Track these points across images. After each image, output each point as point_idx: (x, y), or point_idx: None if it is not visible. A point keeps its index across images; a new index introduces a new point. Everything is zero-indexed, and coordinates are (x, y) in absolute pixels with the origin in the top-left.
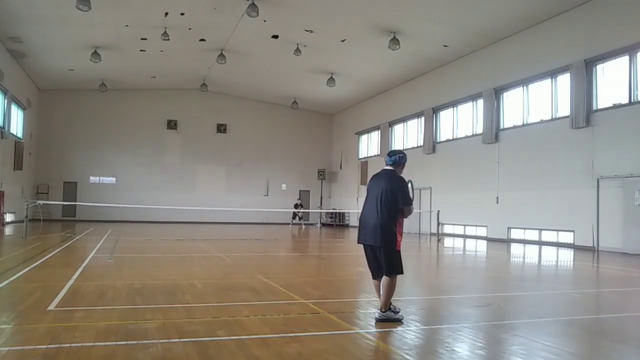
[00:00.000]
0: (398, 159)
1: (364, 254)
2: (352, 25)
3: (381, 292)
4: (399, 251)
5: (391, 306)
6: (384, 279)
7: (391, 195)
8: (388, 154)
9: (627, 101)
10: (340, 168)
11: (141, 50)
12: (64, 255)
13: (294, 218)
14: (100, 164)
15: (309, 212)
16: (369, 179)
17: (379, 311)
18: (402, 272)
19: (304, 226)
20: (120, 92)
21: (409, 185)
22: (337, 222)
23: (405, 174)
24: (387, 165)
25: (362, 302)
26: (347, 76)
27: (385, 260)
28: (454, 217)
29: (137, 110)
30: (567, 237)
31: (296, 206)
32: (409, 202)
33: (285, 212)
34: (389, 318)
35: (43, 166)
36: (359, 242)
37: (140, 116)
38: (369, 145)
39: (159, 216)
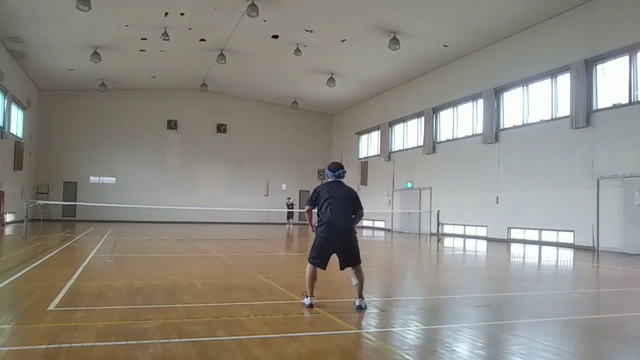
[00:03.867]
0: (342, 173)
1: (363, 254)
2: (352, 25)
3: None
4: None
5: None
6: (358, 267)
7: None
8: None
9: (627, 101)
10: None
11: (141, 50)
12: (64, 255)
13: (288, 218)
14: (100, 164)
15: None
16: (368, 178)
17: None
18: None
19: (292, 226)
20: (120, 92)
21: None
22: None
23: (406, 174)
24: (336, 178)
25: None
26: (347, 76)
27: (354, 251)
28: (454, 217)
29: (137, 110)
30: (567, 237)
31: (288, 206)
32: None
33: (284, 213)
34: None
35: (43, 166)
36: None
37: (140, 116)
38: (369, 145)
39: (159, 216)
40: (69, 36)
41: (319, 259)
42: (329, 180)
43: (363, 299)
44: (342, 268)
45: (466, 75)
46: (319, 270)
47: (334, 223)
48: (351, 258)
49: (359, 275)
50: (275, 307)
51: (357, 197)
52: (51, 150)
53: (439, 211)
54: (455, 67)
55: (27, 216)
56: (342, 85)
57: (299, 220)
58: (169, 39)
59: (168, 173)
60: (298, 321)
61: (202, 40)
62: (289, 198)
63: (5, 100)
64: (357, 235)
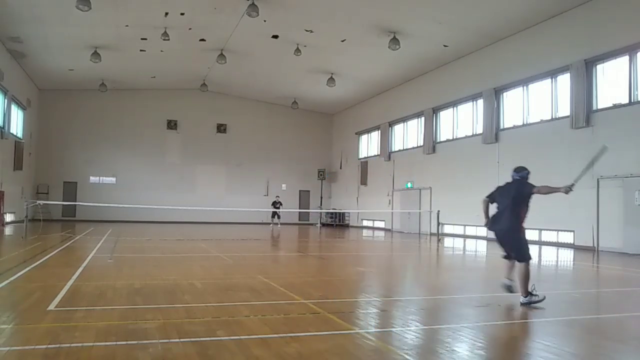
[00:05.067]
0: (525, 174)
1: (363, 254)
2: (352, 25)
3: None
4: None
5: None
6: (520, 264)
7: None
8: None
9: (627, 101)
10: (340, 168)
11: (141, 50)
12: (64, 255)
13: (273, 217)
14: (100, 164)
15: (295, 212)
16: (368, 178)
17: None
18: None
19: (279, 225)
20: (120, 92)
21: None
22: (337, 222)
23: (406, 174)
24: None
25: (362, 302)
26: (347, 76)
27: (515, 247)
28: (454, 217)
29: (137, 110)
30: (567, 237)
31: (275, 204)
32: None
33: (284, 213)
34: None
35: (43, 166)
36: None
37: (140, 116)
38: (369, 145)
39: (159, 216)
40: (69, 36)
41: (503, 251)
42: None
43: (527, 296)
44: (509, 259)
45: (466, 75)
46: (319, 270)
47: (495, 219)
48: (512, 252)
49: (518, 271)
50: (275, 307)
51: (525, 188)
52: (51, 150)
53: (439, 211)
54: (455, 67)
55: (27, 216)
56: (342, 85)
57: (298, 220)
58: (169, 39)
59: (168, 173)
60: (298, 321)
61: (202, 40)
62: (278, 196)
63: (5, 100)
64: (521, 233)
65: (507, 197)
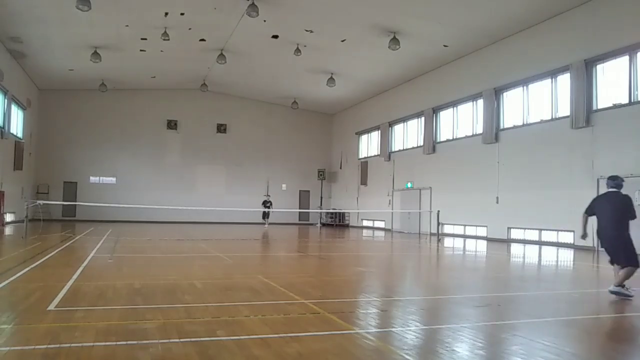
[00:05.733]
0: (621, 182)
1: (363, 254)
2: (352, 25)
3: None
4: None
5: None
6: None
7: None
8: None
9: (627, 101)
10: (340, 168)
11: (141, 50)
12: (64, 255)
13: (264, 217)
14: (100, 164)
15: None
16: (368, 178)
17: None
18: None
19: (267, 225)
20: (120, 92)
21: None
22: (337, 222)
23: (406, 174)
24: (616, 188)
25: (362, 302)
26: (347, 76)
27: (623, 254)
28: (454, 217)
29: (137, 110)
30: (567, 237)
31: (265, 204)
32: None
33: (284, 213)
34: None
35: (43, 166)
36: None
37: (140, 116)
38: (369, 145)
39: (159, 216)
40: (69, 36)
41: (610, 258)
42: (607, 190)
43: (618, 286)
44: (615, 264)
45: (466, 75)
46: (319, 270)
47: (601, 230)
48: (620, 259)
49: (624, 269)
50: (275, 307)
51: (629, 206)
52: (51, 150)
53: (439, 211)
54: (455, 67)
55: (27, 216)
56: (342, 85)
57: (298, 220)
58: (169, 39)
59: (168, 173)
60: (298, 321)
61: (202, 40)
62: (269, 195)
63: (5, 100)
64: (628, 240)
65: (609, 208)
